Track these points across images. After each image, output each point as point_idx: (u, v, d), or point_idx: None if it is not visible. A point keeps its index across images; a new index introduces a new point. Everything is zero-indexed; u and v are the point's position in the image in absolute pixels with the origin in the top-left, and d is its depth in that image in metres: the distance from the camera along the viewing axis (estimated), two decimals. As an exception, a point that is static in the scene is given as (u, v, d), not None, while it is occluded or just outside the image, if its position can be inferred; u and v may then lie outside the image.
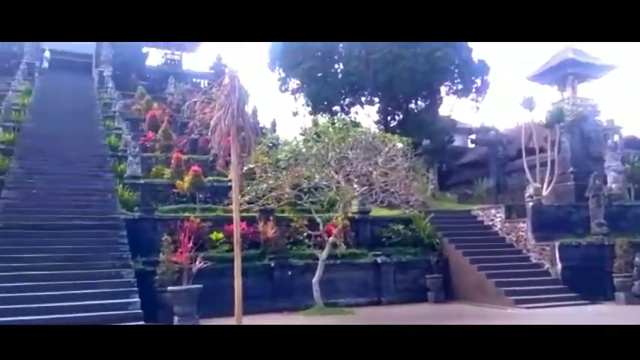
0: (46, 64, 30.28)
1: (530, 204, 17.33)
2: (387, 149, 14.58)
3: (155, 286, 12.52)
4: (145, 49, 34.41)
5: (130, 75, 30.60)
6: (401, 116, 31.64)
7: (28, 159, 17.22)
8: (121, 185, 16.89)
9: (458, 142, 33.26)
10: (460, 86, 31.16)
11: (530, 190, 17.75)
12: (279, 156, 14.83)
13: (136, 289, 11.70)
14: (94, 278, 11.77)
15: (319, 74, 29.92)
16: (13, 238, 12.68)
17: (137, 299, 11.34)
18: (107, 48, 30.96)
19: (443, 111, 32.34)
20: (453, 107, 33.15)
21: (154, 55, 35.63)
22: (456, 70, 30.32)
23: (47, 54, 30.65)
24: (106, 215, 14.64)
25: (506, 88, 63.95)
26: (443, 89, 31.40)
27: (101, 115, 23.30)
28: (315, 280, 14.51)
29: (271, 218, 16.07)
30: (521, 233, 17.61)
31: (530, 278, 15.73)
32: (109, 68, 30.16)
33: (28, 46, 29.39)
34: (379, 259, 16.60)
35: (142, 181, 17.60)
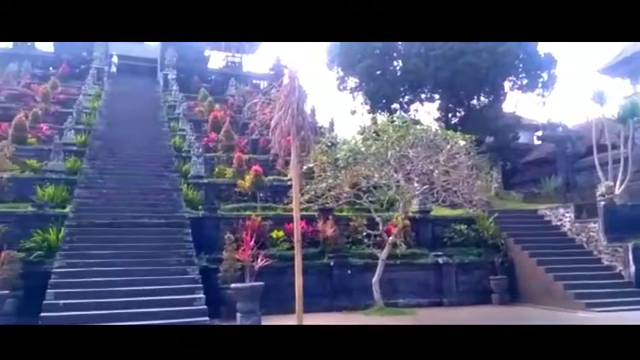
0: (114, 69, 31.69)
1: (602, 203, 16.50)
2: (448, 147, 14.25)
3: (218, 283, 12.80)
4: (207, 52, 35.33)
5: (193, 78, 31.51)
6: (462, 113, 30.86)
7: (98, 160, 18.06)
8: (185, 185, 17.41)
9: (523, 139, 32.05)
10: (525, 81, 30.01)
11: (601, 189, 16.90)
12: (338, 155, 14.78)
13: (200, 285, 12.03)
14: (162, 274, 12.18)
15: (378, 72, 29.67)
16: (86, 236, 13.33)
17: (202, 295, 11.65)
18: (171, 52, 32.00)
19: (507, 107, 31.34)
20: (518, 103, 32.07)
21: (216, 58, 36.53)
22: (521, 65, 29.24)
23: (115, 59, 32.08)
24: (171, 214, 15.13)
25: (574, 82, 61.07)
26: (507, 84, 30.35)
27: (166, 117, 24.12)
28: (374, 279, 14.40)
29: (330, 217, 16.08)
30: (592, 234, 16.78)
31: (601, 281, 14.97)
32: (173, 72, 31.15)
33: (97, 51, 30.81)
34: (441, 260, 16.27)
35: (205, 181, 18.09)
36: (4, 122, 19.64)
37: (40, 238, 13.36)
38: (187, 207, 16.02)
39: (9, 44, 31.26)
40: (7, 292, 11.24)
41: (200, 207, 16.19)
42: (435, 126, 24.34)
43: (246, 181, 17.76)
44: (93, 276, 11.69)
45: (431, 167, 14.14)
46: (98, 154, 18.43)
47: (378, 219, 15.28)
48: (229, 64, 36.45)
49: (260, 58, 69.83)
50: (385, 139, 14.29)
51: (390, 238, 14.77)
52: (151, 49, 35.51)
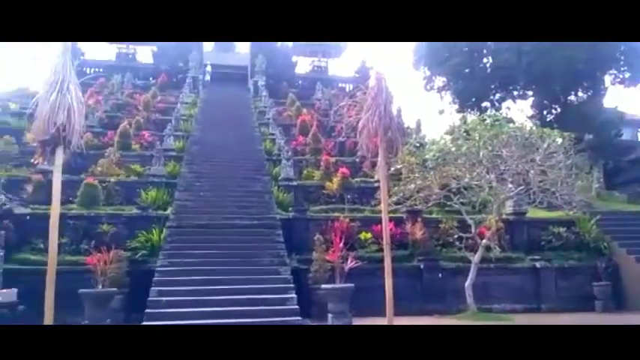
0: (208, 77, 33.24)
1: None
2: (545, 145, 13.60)
3: (309, 283, 13.04)
4: (294, 59, 36.13)
5: (282, 83, 32.32)
6: (559, 110, 29.29)
7: (195, 164, 19.01)
8: (276, 187, 17.91)
9: (626, 135, 29.86)
10: (627, 74, 27.98)
11: None
12: (427, 156, 14.56)
13: (292, 285, 12.32)
14: (255, 274, 12.60)
15: (466, 70, 28.95)
16: (185, 236, 14.09)
17: (294, 295, 11.92)
18: (261, 59, 33.03)
19: (608, 102, 29.33)
20: (620, 98, 29.91)
21: (303, 63, 37.25)
22: (622, 58, 27.29)
23: (209, 68, 33.67)
24: (263, 215, 15.62)
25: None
26: (607, 78, 28.46)
27: (256, 122, 24.93)
28: (467, 283, 14.01)
29: (419, 219, 15.87)
30: None
31: None
32: (262, 78, 32.12)
33: (192, 61, 32.46)
34: (538, 264, 15.53)
35: (294, 183, 18.50)
36: (110, 130, 21.20)
37: (144, 238, 14.31)
38: (278, 209, 16.48)
39: (112, 57, 33.70)
40: (115, 289, 12.11)
41: (290, 209, 16.58)
42: (529, 124, 23.29)
43: (334, 183, 17.96)
44: (192, 275, 12.32)
45: (526, 167, 13.57)
46: (195, 159, 19.40)
47: (469, 221, 14.85)
48: (315, 68, 37.03)
49: (345, 61, 70.32)
50: (477, 138, 13.89)
51: (483, 241, 14.31)
52: (241, 57, 36.93)
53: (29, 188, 15.78)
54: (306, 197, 17.95)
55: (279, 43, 35.58)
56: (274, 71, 33.44)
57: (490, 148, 13.71)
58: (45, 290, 8.45)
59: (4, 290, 12.30)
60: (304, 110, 26.46)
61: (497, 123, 14.28)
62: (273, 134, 23.24)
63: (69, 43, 10.14)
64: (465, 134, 14.76)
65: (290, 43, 35.99)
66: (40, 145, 9.44)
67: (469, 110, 29.29)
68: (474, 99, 29.59)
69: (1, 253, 13.10)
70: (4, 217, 13.26)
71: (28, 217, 13.97)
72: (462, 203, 15.18)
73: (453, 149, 14.25)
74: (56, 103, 9.12)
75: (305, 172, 19.87)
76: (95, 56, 32.82)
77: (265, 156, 20.64)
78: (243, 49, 39.75)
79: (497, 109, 29.06)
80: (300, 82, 34.60)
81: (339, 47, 37.01)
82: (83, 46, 30.32)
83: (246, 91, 32.19)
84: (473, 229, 14.74)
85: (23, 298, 12.06)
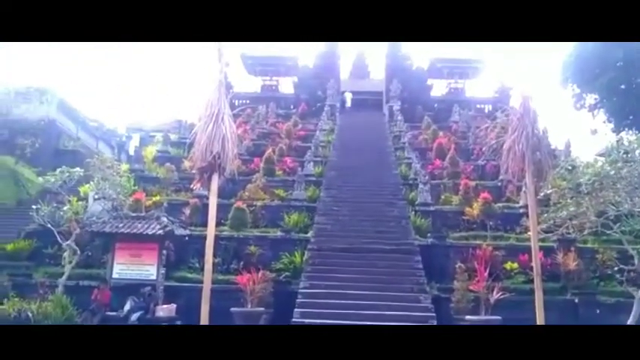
0: (349, 104, 34.30)
1: None
2: None
3: (451, 313, 12.59)
4: (429, 82, 35.77)
5: (417, 107, 32.08)
6: None
7: (334, 189, 19.53)
8: (413, 212, 17.69)
9: None
10: None
11: None
12: (581, 180, 13.41)
13: (433, 314, 11.98)
14: (396, 301, 12.49)
15: (622, 86, 26.39)
16: (325, 259, 14.45)
17: (435, 324, 11.57)
18: (396, 84, 33.20)
19: None
20: None
21: (438, 85, 36.69)
22: None
23: (349, 95, 34.87)
24: (401, 241, 15.50)
25: None
26: None
27: (392, 147, 25.00)
28: (630, 321, 12.53)
29: (572, 249, 14.65)
30: None
31: None
32: (397, 103, 32.16)
33: (330, 89, 33.62)
34: None
35: (432, 208, 18.13)
36: (256, 157, 22.60)
37: (287, 260, 14.95)
38: (415, 234, 16.23)
39: (258, 89, 36.10)
40: (262, 309, 12.74)
41: (428, 234, 16.24)
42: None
43: (474, 209, 17.28)
44: (333, 298, 12.55)
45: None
46: (333, 184, 19.93)
47: (632, 251, 13.34)
48: (452, 90, 36.23)
49: (482, 81, 68.16)
50: (638, 160, 12.54)
51: (649, 274, 12.76)
52: (376, 83, 37.48)
53: (187, 211, 17.33)
54: (445, 223, 17.47)
55: (415, 67, 35.55)
56: (409, 95, 33.33)
57: (656, 171, 12.29)
58: (200, 306, 9.18)
59: (165, 306, 13.56)
60: (441, 133, 25.96)
61: (662, 143, 12.80)
62: (409, 158, 23.07)
63: (223, 79, 11.12)
64: (623, 156, 13.41)
65: (425, 67, 35.77)
66: (198, 172, 10.40)
67: (626, 129, 26.56)
68: (631, 117, 26.84)
69: (163, 271, 14.49)
70: (167, 238, 14.64)
71: (186, 238, 15.30)
72: (623, 232, 13.70)
73: (612, 172, 12.98)
74: (212, 134, 10.00)
75: (443, 196, 19.38)
76: (242, 89, 35.33)
77: (401, 180, 20.54)
78: (378, 75, 40.36)
79: (660, 128, 26.01)
80: (436, 105, 34.03)
81: (477, 68, 35.92)
82: (232, 80, 32.85)
83: (381, 116, 32.52)
84: (636, 261, 13.21)
85: (181, 313, 13.19)
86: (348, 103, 34.50)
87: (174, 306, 13.47)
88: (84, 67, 73.94)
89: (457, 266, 13.35)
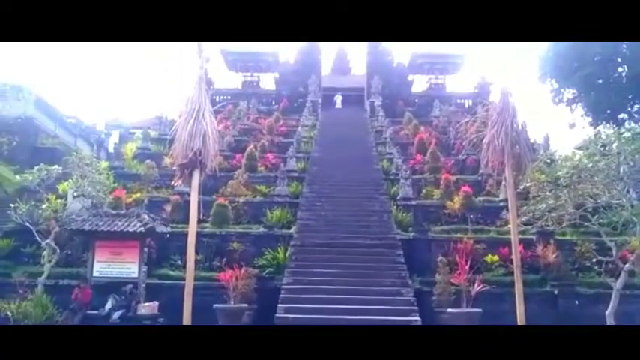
0: (339, 105, 34.62)
1: None
2: (700, 159, 12.14)
3: (433, 306, 12.71)
4: (410, 77, 35.93)
5: (398, 102, 32.25)
6: None
7: (316, 184, 19.54)
8: (394, 206, 17.79)
9: None
10: None
11: None
12: (560, 173, 13.62)
13: (416, 307, 12.10)
14: (377, 294, 12.57)
15: (599, 80, 26.74)
16: (308, 255, 14.47)
17: (418, 318, 11.69)
18: (377, 80, 33.31)
19: None
20: None
21: (419, 81, 36.90)
22: None
23: (338, 98, 35.03)
24: (383, 235, 15.59)
25: None
26: None
27: (374, 142, 25.09)
28: (608, 312, 12.76)
29: (551, 241, 14.88)
30: None
31: None
32: (379, 98, 32.27)
33: (311, 85, 33.58)
34: (692, 292, 13.79)
35: (413, 203, 18.27)
36: (238, 153, 22.50)
37: (270, 256, 14.93)
38: (397, 228, 16.33)
39: (238, 85, 35.88)
40: (245, 305, 12.71)
41: (410, 229, 16.36)
42: (676, 136, 20.96)
43: (455, 203, 17.45)
44: (316, 293, 12.59)
45: (677, 184, 12.18)
46: (315, 179, 19.94)
47: (609, 243, 13.58)
48: (433, 85, 36.46)
49: (463, 77, 68.67)
50: (615, 153, 12.77)
51: (626, 265, 13.01)
52: (357, 79, 37.53)
53: (168, 208, 17.19)
54: (426, 217, 17.61)
55: (396, 63, 35.68)
56: (390, 91, 33.48)
57: (632, 164, 12.52)
58: (183, 303, 9.11)
59: (147, 303, 13.45)
60: (422, 128, 26.14)
61: (638, 136, 13.05)
62: (390, 153, 23.19)
63: (204, 75, 11.03)
64: (601, 149, 13.64)
65: (406, 62, 35.92)
66: (179, 168, 10.30)
67: (604, 123, 26.97)
68: (608, 111, 27.20)
69: (145, 269, 14.37)
70: (148, 236, 14.51)
71: (167, 236, 15.19)
72: (601, 224, 13.95)
73: (589, 165, 13.19)
74: (193, 130, 9.89)
75: (424, 191, 19.54)
76: (222, 85, 35.10)
77: (383, 175, 20.63)
78: (359, 71, 40.42)
79: (637, 122, 26.49)
80: (416, 100, 34.25)
81: (457, 63, 36.18)
82: (213, 75, 32.61)
83: (362, 111, 32.59)
84: (614, 252, 13.45)
85: (163, 310, 13.09)
86: (338, 105, 34.65)
87: (156, 303, 13.37)
88: (61, 64, 72.77)
89: (439, 259, 13.48)
